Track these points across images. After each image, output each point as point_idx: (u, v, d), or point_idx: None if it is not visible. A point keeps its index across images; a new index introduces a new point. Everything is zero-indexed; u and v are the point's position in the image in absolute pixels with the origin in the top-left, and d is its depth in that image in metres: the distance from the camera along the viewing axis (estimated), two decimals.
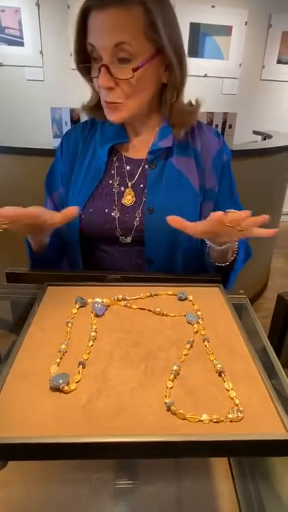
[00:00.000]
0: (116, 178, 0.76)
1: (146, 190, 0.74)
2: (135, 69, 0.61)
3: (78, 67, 0.68)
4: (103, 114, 0.70)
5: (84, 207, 0.75)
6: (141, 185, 0.75)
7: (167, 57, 0.64)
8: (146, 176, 0.74)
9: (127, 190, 0.75)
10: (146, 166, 0.75)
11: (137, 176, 0.75)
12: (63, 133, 0.85)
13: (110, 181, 0.76)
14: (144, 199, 0.74)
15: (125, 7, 0.59)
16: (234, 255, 0.70)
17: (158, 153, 0.74)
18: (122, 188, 0.75)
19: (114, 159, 0.77)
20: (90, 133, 0.80)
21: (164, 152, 0.74)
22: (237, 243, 0.70)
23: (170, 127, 0.73)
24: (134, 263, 0.78)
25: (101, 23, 0.60)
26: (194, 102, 0.75)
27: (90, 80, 0.69)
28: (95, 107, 0.75)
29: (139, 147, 0.76)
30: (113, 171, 0.76)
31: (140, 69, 0.62)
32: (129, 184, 0.75)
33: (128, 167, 0.76)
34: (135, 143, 0.77)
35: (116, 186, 0.75)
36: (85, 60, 0.66)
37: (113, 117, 0.68)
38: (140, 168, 0.75)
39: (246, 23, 3.13)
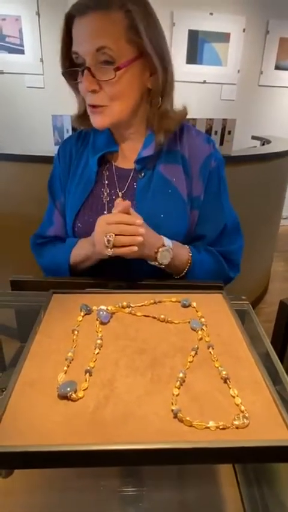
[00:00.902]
0: (106, 188, 0.76)
1: (135, 201, 0.74)
2: (116, 69, 0.61)
3: (63, 73, 0.68)
4: (90, 122, 0.70)
5: (77, 216, 0.76)
6: (131, 195, 0.75)
7: (150, 60, 0.64)
8: (135, 186, 0.75)
9: (117, 200, 0.75)
10: (135, 176, 0.75)
11: (126, 186, 0.76)
12: None
13: (101, 191, 0.76)
14: (133, 209, 0.74)
15: (105, 12, 0.59)
16: (185, 271, 0.74)
17: (145, 162, 0.74)
18: (113, 197, 0.76)
19: (105, 168, 0.77)
20: (84, 143, 0.80)
21: (151, 161, 0.74)
22: (190, 262, 0.73)
23: (153, 135, 0.73)
24: (124, 270, 0.77)
25: (82, 29, 0.61)
26: (188, 109, 0.75)
27: (75, 86, 0.70)
28: (83, 116, 0.75)
29: (129, 157, 0.77)
30: (103, 181, 0.77)
31: (122, 70, 0.62)
32: (120, 194, 0.76)
33: (117, 177, 0.76)
34: (125, 153, 0.77)
35: (106, 195, 0.76)
36: (71, 67, 0.67)
37: (97, 121, 0.68)
38: (129, 178, 0.76)
39: (244, 30, 3.17)
